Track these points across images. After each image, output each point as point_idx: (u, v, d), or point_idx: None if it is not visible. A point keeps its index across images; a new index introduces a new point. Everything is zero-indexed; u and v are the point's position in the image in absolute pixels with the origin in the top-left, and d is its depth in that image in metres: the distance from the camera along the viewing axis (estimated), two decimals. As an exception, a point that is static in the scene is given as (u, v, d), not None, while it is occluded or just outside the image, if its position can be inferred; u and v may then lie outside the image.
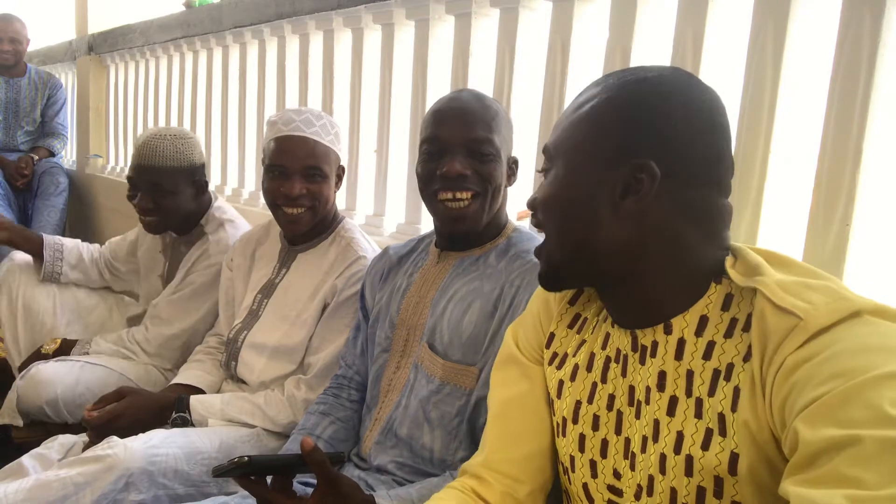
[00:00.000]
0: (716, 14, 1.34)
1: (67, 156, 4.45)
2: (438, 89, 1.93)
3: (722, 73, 1.36)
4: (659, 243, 0.79)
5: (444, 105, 1.26)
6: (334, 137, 1.65)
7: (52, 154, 3.99)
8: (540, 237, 1.31)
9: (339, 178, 1.70)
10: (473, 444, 1.20)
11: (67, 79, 4.52)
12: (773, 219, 1.28)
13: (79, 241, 2.29)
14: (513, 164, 1.30)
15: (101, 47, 3.96)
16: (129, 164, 2.07)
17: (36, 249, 2.17)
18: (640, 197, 0.78)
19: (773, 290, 0.72)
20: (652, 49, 1.46)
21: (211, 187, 3.03)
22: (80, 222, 4.17)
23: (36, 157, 3.85)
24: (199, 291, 1.99)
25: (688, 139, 0.78)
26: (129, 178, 1.97)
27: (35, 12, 4.29)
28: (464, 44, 1.85)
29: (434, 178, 1.23)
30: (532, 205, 0.89)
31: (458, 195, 1.21)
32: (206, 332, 1.99)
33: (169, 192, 1.93)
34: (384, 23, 2.10)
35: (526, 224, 1.70)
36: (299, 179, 1.58)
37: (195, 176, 1.98)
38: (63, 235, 3.69)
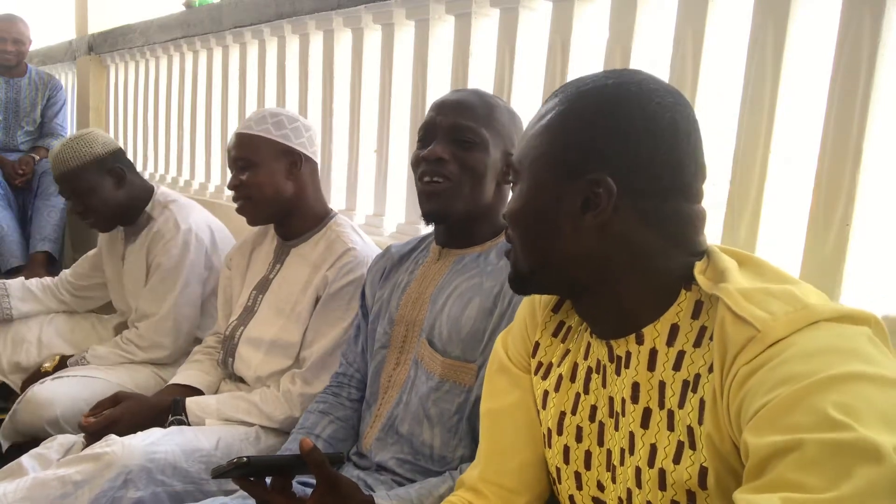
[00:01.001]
0: (716, 14, 1.34)
1: (67, 156, 4.45)
2: (438, 89, 1.93)
3: (722, 73, 1.36)
4: (622, 254, 0.78)
5: (440, 98, 1.29)
6: (271, 126, 1.68)
7: (52, 154, 3.99)
8: None
9: (294, 165, 1.68)
10: (473, 441, 1.20)
11: (67, 79, 4.51)
12: (773, 219, 1.28)
13: (21, 278, 2.36)
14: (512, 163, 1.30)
15: (101, 47, 3.96)
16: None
17: None
18: (599, 212, 0.76)
19: (735, 298, 0.70)
20: (652, 49, 1.46)
21: (210, 187, 3.05)
22: (80, 222, 4.15)
23: (36, 157, 3.85)
24: (167, 271, 1.99)
25: (647, 148, 0.76)
26: (59, 192, 2.08)
27: (35, 12, 4.28)
28: (464, 44, 1.85)
29: (419, 162, 1.26)
30: (505, 217, 0.88)
31: (435, 178, 1.23)
32: (191, 311, 2.01)
33: (87, 191, 2.01)
34: (384, 23, 2.10)
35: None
36: (234, 172, 1.67)
37: (106, 166, 2.03)
38: (63, 235, 3.71)
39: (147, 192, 2.13)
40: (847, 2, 1.13)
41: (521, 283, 0.88)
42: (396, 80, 2.10)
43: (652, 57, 1.45)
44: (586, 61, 1.60)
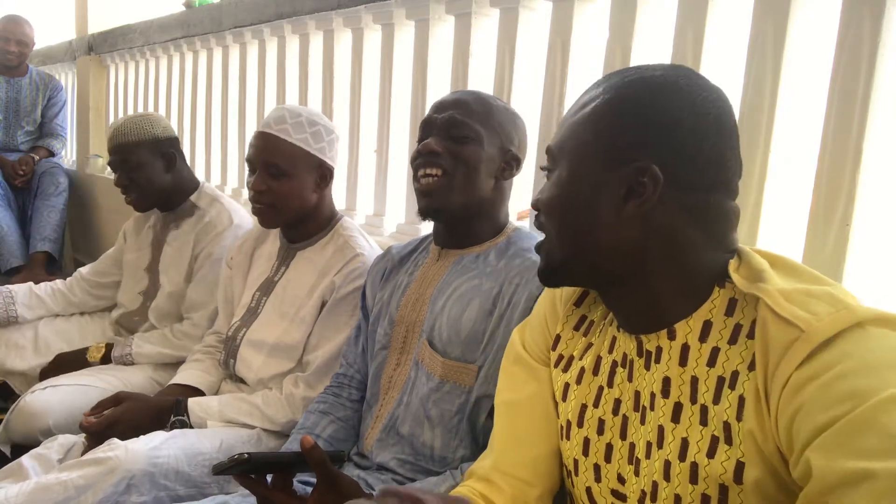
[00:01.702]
0: (716, 14, 1.34)
1: (67, 156, 4.45)
2: (438, 89, 1.93)
3: (722, 73, 1.36)
4: (661, 246, 0.78)
5: (443, 97, 1.32)
6: (310, 136, 1.63)
7: (52, 154, 3.99)
8: (540, 235, 1.31)
9: (323, 178, 1.67)
10: (474, 442, 1.21)
11: (67, 79, 4.52)
12: (773, 219, 1.28)
13: (30, 283, 2.35)
14: (511, 160, 1.29)
15: (101, 47, 3.96)
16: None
17: None
18: (643, 201, 0.76)
19: (776, 298, 0.70)
20: (652, 49, 1.46)
21: (213, 187, 3.05)
22: (80, 222, 4.17)
23: (36, 157, 3.85)
24: (219, 262, 2.00)
25: (693, 141, 0.76)
26: (108, 163, 2.11)
27: (35, 12, 4.28)
28: (464, 44, 1.85)
29: (417, 156, 1.28)
30: (535, 205, 0.88)
31: (429, 171, 1.25)
32: None
33: (136, 166, 2.06)
34: (384, 23, 2.11)
35: (526, 224, 1.70)
36: (261, 175, 1.60)
37: (161, 148, 2.09)
38: (63, 235, 3.72)
39: (193, 183, 2.19)
40: (847, 2, 1.13)
41: (553, 275, 0.87)
42: (396, 80, 2.11)
43: (652, 57, 1.45)
44: (586, 61, 1.60)
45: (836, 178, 1.14)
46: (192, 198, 2.16)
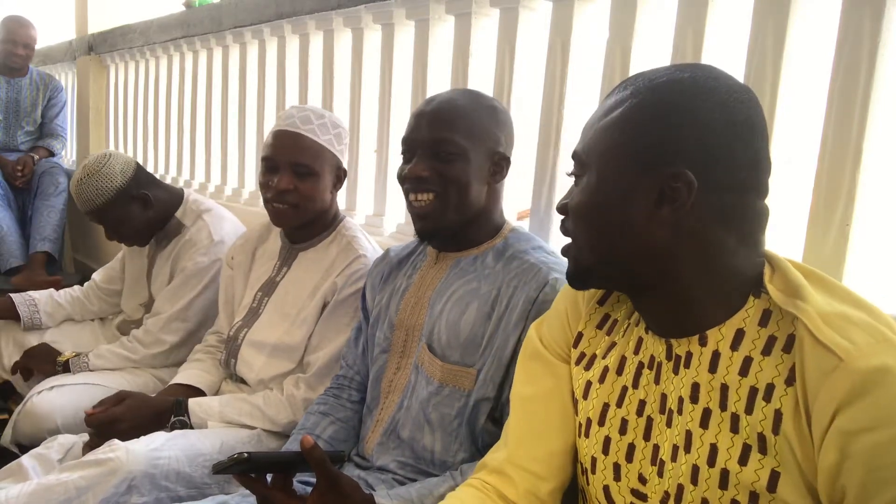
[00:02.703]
0: (716, 14, 1.34)
1: (67, 156, 4.45)
2: (438, 89, 1.93)
3: (722, 73, 1.36)
4: (695, 251, 0.78)
5: (420, 108, 1.29)
6: (333, 138, 1.64)
7: (52, 154, 3.99)
8: (539, 240, 1.31)
9: (339, 180, 1.69)
10: (473, 444, 1.21)
11: (67, 79, 4.52)
12: (772, 219, 1.28)
13: (51, 290, 2.37)
14: (500, 161, 1.28)
15: (101, 47, 3.96)
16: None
17: (9, 312, 2.25)
18: (677, 206, 0.76)
19: (815, 321, 0.70)
20: (652, 49, 1.46)
21: (210, 187, 3.05)
22: (80, 222, 4.16)
23: (36, 157, 3.85)
24: (189, 276, 2.00)
25: (726, 144, 0.75)
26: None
27: (35, 12, 4.28)
28: (464, 44, 1.85)
29: (404, 179, 1.26)
30: (562, 210, 0.88)
31: (420, 196, 1.24)
32: (203, 317, 2.00)
33: (116, 221, 2.06)
34: (384, 23, 2.10)
35: (526, 224, 1.70)
36: (287, 174, 1.58)
37: (130, 193, 2.04)
38: (63, 235, 3.71)
39: (176, 198, 2.15)
40: (847, 2, 1.13)
41: (584, 278, 0.87)
42: (396, 80, 2.10)
43: (652, 57, 1.45)
44: (586, 61, 1.60)
45: (836, 178, 1.14)
46: (178, 214, 2.12)
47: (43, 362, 2.04)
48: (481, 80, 1.83)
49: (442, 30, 1.97)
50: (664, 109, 0.77)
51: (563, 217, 0.89)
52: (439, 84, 1.96)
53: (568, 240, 0.88)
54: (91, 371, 1.98)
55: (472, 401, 1.19)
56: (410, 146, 1.27)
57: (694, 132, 0.75)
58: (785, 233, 1.29)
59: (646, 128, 0.78)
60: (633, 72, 1.41)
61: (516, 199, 1.73)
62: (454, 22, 1.90)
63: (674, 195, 0.76)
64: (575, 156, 0.86)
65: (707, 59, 1.35)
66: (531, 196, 1.70)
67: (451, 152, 1.22)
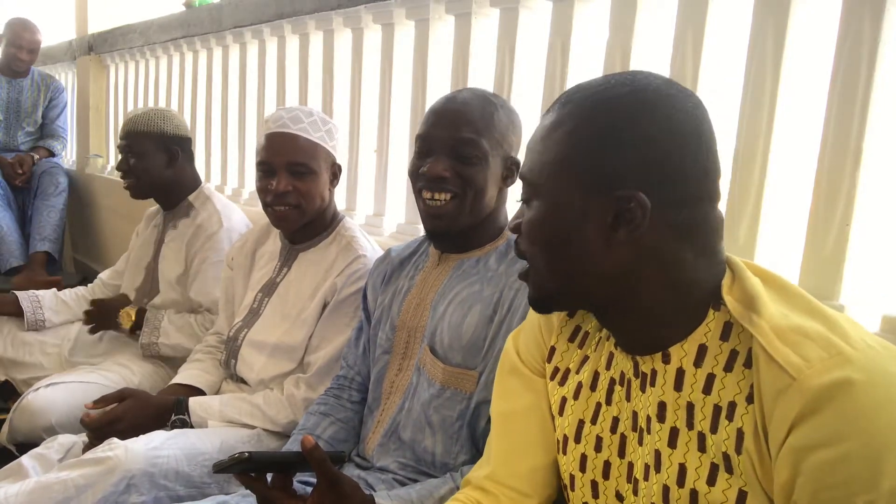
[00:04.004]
0: (716, 14, 1.34)
1: (67, 156, 4.46)
2: (438, 89, 1.93)
3: (722, 73, 1.36)
4: (655, 268, 0.76)
5: (441, 104, 1.26)
6: (325, 134, 1.63)
7: (53, 154, 3.99)
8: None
9: (335, 177, 1.69)
10: (474, 447, 1.20)
11: (67, 79, 4.52)
12: (773, 219, 1.28)
13: (54, 289, 2.39)
14: (512, 166, 1.28)
15: (101, 47, 3.96)
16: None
17: (13, 308, 2.26)
18: (633, 227, 0.74)
19: (769, 338, 0.69)
20: (652, 49, 1.46)
21: (211, 188, 3.05)
22: (80, 222, 4.17)
23: (35, 157, 3.85)
24: (218, 264, 2.02)
25: (675, 158, 0.74)
26: (117, 146, 2.17)
27: (35, 12, 4.28)
28: (464, 44, 1.85)
29: (419, 175, 1.24)
30: (515, 229, 0.85)
31: (437, 196, 1.22)
32: None
33: (137, 154, 2.11)
34: (384, 23, 2.10)
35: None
36: (285, 176, 1.58)
37: (166, 143, 2.13)
38: (63, 235, 3.72)
39: (194, 182, 2.21)
40: (847, 2, 1.13)
41: (546, 304, 0.85)
42: (396, 80, 2.10)
43: (652, 57, 1.45)
44: (586, 61, 1.60)
45: (836, 178, 1.14)
46: (191, 197, 2.18)
47: (106, 318, 2.09)
48: (481, 80, 1.83)
49: (442, 30, 1.97)
50: (606, 131, 0.74)
51: (516, 237, 0.86)
52: (439, 84, 1.96)
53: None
54: (161, 357, 2.04)
55: (474, 403, 1.19)
56: (429, 143, 1.24)
57: (640, 152, 0.73)
58: (785, 233, 1.29)
59: (590, 151, 0.75)
60: (633, 72, 1.40)
61: (516, 198, 1.73)
62: (454, 22, 1.90)
63: (629, 216, 0.73)
64: (522, 178, 0.83)
65: (707, 59, 1.35)
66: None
67: (474, 155, 1.21)
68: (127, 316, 2.08)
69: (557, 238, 0.78)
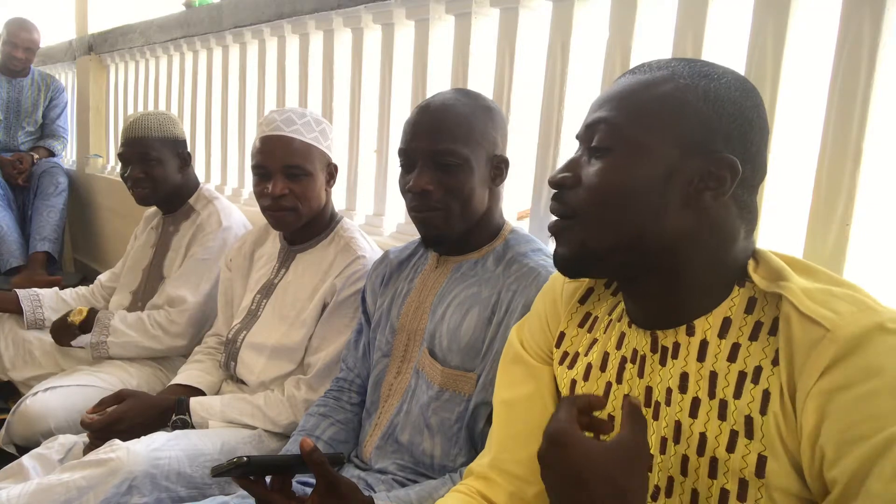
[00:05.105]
0: (716, 14, 1.34)
1: (67, 156, 4.46)
2: (438, 89, 1.92)
3: (722, 73, 1.35)
4: (712, 239, 0.78)
5: (414, 116, 1.25)
6: (319, 135, 1.64)
7: (53, 154, 3.99)
8: (538, 242, 1.30)
9: (332, 177, 1.69)
10: (472, 449, 1.20)
11: (67, 79, 4.52)
12: (773, 219, 1.28)
13: (56, 288, 2.40)
14: (500, 164, 1.27)
15: (101, 47, 3.96)
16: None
17: (13, 306, 2.26)
18: (718, 193, 0.76)
19: (799, 297, 0.71)
20: (652, 49, 1.46)
21: (210, 187, 3.05)
22: (80, 222, 4.17)
23: (35, 157, 3.85)
24: (201, 262, 2.03)
25: (759, 141, 0.79)
26: (119, 154, 2.13)
27: (35, 12, 4.28)
28: (464, 44, 1.85)
29: (406, 191, 1.25)
30: (561, 184, 0.82)
31: (425, 211, 1.23)
32: (215, 309, 2.00)
33: (156, 161, 2.09)
34: (384, 23, 2.10)
35: (526, 224, 1.70)
36: (280, 179, 1.58)
37: (178, 148, 2.15)
38: (63, 235, 3.72)
39: (195, 184, 2.22)
40: (847, 2, 1.13)
41: (582, 266, 0.83)
42: (396, 80, 2.10)
43: (652, 57, 1.45)
44: (586, 61, 1.60)
45: (836, 177, 1.14)
46: (191, 200, 2.18)
47: (62, 337, 2.06)
48: (481, 80, 1.83)
49: (442, 30, 1.97)
50: (716, 96, 0.77)
51: (556, 192, 0.83)
52: (439, 84, 1.96)
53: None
54: (111, 358, 1.99)
55: (472, 405, 1.19)
56: (410, 156, 1.24)
57: (741, 125, 0.77)
58: (785, 233, 1.29)
59: (698, 111, 0.76)
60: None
61: (516, 199, 1.73)
62: (454, 22, 1.90)
63: (719, 181, 0.76)
64: (593, 126, 0.81)
65: (707, 58, 1.34)
66: (531, 196, 1.70)
67: (454, 163, 1.20)
68: (78, 312, 2.04)
69: (632, 191, 0.77)
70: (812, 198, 1.19)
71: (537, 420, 0.95)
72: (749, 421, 0.73)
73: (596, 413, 0.88)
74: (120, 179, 2.20)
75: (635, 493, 0.69)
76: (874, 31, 1.09)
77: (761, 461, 0.72)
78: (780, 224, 1.29)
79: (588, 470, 0.68)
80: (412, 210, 1.25)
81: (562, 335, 0.95)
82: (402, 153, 1.26)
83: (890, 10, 1.08)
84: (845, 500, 0.65)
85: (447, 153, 1.20)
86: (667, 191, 0.76)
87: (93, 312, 2.03)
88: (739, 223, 0.79)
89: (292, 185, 1.58)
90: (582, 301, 0.95)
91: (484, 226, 1.29)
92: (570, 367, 0.93)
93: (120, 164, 2.15)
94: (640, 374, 0.84)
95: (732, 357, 0.76)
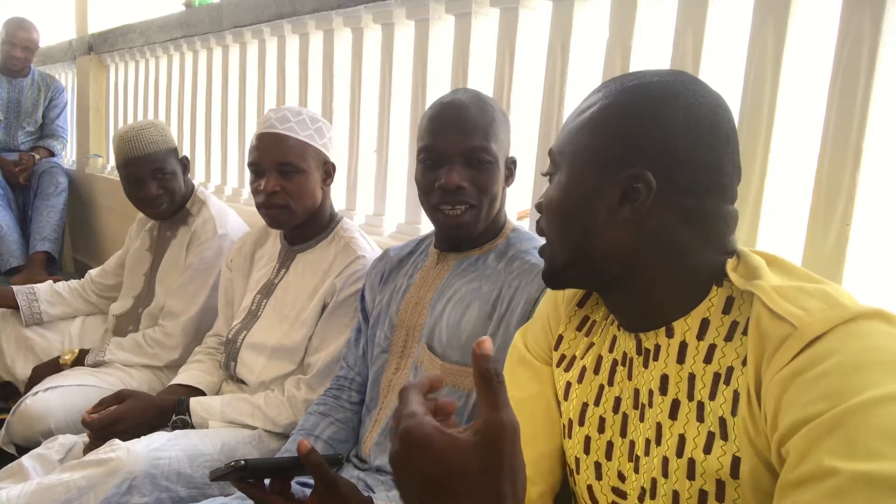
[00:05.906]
0: (716, 14, 1.34)
1: (67, 156, 4.46)
2: (438, 89, 1.93)
3: (722, 73, 1.36)
4: (656, 249, 0.79)
5: (441, 112, 1.24)
6: (314, 133, 1.63)
7: (53, 154, 4.00)
8: (540, 240, 1.31)
9: (328, 175, 1.68)
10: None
11: (67, 79, 4.52)
12: (773, 219, 1.28)
13: (50, 281, 2.38)
14: (511, 165, 1.30)
15: (101, 47, 3.96)
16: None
17: (9, 302, 2.24)
18: (637, 206, 0.78)
19: (770, 295, 0.71)
20: (652, 49, 1.46)
21: (210, 187, 3.06)
22: (80, 222, 4.17)
23: (36, 156, 3.85)
24: (199, 272, 2.02)
25: (689, 147, 0.77)
26: (128, 174, 2.04)
27: (35, 12, 4.28)
28: (464, 44, 1.85)
29: (433, 189, 1.23)
30: (539, 209, 0.90)
31: (457, 207, 1.22)
32: (212, 317, 2.00)
33: (170, 174, 2.06)
34: (384, 23, 2.10)
35: (525, 224, 1.70)
36: (273, 176, 1.58)
37: (178, 155, 2.11)
38: (63, 235, 3.72)
39: (192, 187, 2.18)
40: (847, 2, 1.13)
41: (556, 278, 0.89)
42: (396, 80, 2.10)
43: (652, 57, 1.45)
44: (586, 61, 1.60)
45: (836, 178, 1.14)
46: (187, 204, 2.15)
47: (49, 373, 2.02)
48: (481, 80, 1.83)
49: (442, 30, 1.97)
50: (630, 112, 0.79)
51: (539, 216, 0.91)
52: (439, 84, 1.96)
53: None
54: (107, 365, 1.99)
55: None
56: (438, 153, 1.22)
57: (657, 135, 0.77)
58: (785, 233, 1.29)
59: (612, 128, 0.80)
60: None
61: (516, 199, 1.73)
62: (454, 22, 1.90)
63: (634, 195, 0.78)
64: (550, 153, 0.88)
65: (707, 58, 1.35)
66: (531, 196, 1.70)
67: (487, 160, 1.21)
68: (70, 353, 2.04)
69: (571, 212, 0.83)
70: (812, 198, 1.19)
71: (541, 420, 0.96)
72: (723, 422, 0.74)
73: (588, 414, 0.89)
74: (148, 205, 2.09)
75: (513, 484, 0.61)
76: (874, 31, 1.09)
77: (735, 462, 0.72)
78: (779, 224, 1.29)
79: (460, 471, 0.58)
80: (441, 205, 1.23)
81: (560, 338, 0.96)
82: (428, 149, 1.24)
83: (890, 10, 1.08)
84: (797, 479, 0.63)
85: (481, 150, 1.21)
86: (593, 208, 0.80)
87: (83, 353, 2.04)
88: (686, 230, 0.78)
89: (285, 183, 1.58)
90: (581, 305, 0.96)
91: (491, 224, 1.29)
92: (567, 370, 0.94)
93: (127, 184, 2.06)
94: (630, 377, 0.85)
95: (708, 358, 0.77)
